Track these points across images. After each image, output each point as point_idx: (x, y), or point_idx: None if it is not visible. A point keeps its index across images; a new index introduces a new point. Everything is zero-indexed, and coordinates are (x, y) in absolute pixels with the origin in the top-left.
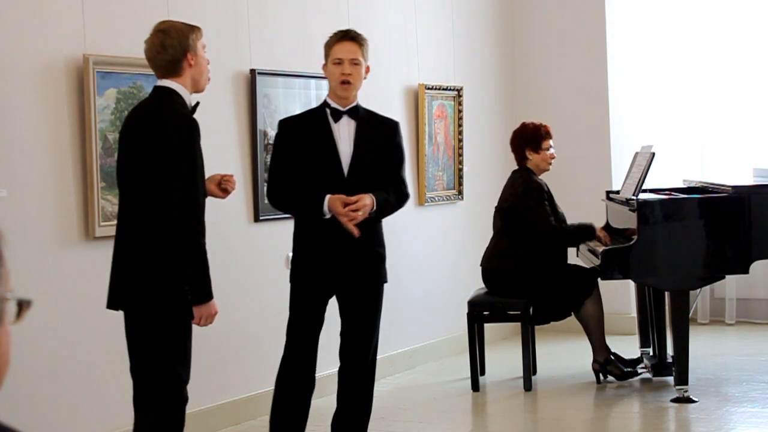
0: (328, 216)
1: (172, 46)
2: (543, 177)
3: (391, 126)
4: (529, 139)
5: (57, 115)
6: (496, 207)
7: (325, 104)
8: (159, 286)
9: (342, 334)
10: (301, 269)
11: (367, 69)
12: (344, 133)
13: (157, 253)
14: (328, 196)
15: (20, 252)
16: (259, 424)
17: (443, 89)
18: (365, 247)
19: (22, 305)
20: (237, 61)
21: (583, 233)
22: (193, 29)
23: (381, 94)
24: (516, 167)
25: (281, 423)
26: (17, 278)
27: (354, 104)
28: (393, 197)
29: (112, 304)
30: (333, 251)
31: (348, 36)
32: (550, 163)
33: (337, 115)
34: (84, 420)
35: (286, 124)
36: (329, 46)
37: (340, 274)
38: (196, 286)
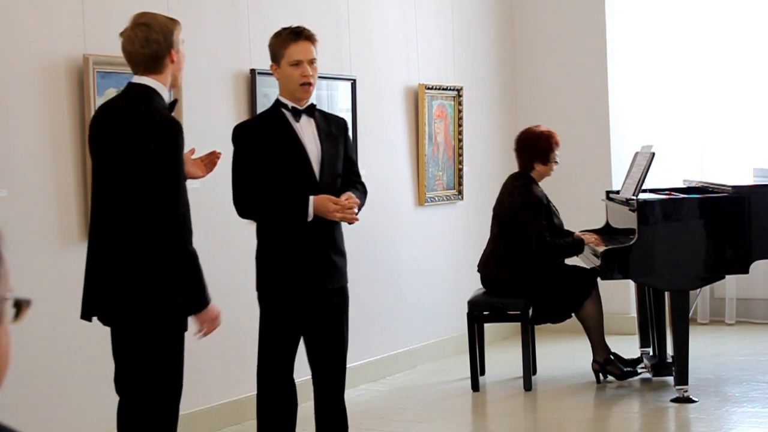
0: (310, 218)
1: (156, 41)
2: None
3: (343, 122)
4: (539, 151)
5: (57, 115)
6: (493, 211)
7: (279, 104)
8: (150, 301)
9: (313, 341)
10: (279, 277)
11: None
12: (308, 132)
13: (145, 266)
14: (311, 198)
15: (20, 252)
16: None
17: (443, 89)
18: (338, 248)
19: (22, 305)
20: (237, 61)
21: (574, 249)
22: (176, 23)
23: (381, 94)
24: (515, 169)
25: None
26: (17, 278)
27: (310, 102)
28: (361, 194)
29: (87, 314)
30: (312, 254)
31: (303, 35)
32: (553, 169)
33: (298, 115)
34: (84, 420)
35: (244, 129)
36: (281, 46)
37: (319, 277)
38: (192, 296)
